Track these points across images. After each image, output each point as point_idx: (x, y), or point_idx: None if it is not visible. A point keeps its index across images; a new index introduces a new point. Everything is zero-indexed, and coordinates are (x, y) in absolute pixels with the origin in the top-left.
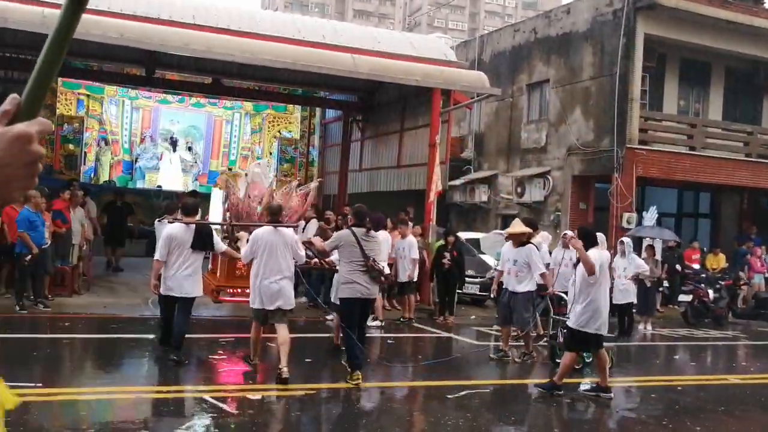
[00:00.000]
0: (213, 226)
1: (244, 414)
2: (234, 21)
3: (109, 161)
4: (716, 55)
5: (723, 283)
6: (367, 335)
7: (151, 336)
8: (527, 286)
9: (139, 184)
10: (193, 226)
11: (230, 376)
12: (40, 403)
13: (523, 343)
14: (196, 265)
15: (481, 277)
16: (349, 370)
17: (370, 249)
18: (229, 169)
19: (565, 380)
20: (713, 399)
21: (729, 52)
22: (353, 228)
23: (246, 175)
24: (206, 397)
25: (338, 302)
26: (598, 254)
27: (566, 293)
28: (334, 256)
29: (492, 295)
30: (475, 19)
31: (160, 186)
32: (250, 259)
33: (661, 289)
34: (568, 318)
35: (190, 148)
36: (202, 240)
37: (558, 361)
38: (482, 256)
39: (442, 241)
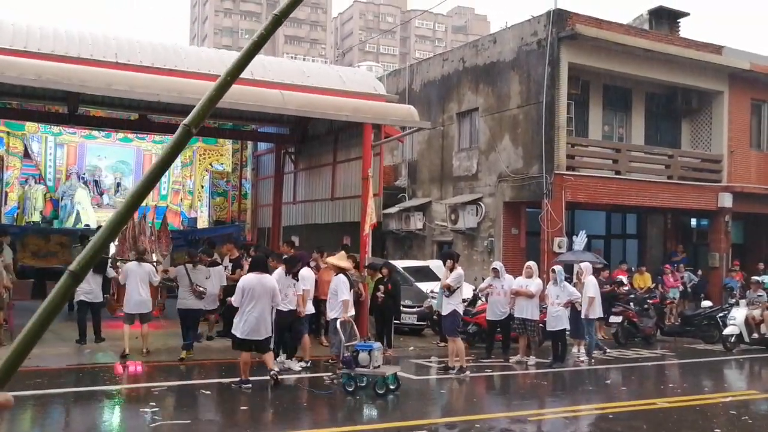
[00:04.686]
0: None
1: None
2: (159, 58)
3: (42, 200)
4: (636, 82)
5: (651, 302)
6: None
7: (85, 388)
8: (335, 313)
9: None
10: None
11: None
12: None
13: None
14: (97, 282)
15: (418, 307)
16: (183, 350)
17: (195, 277)
18: None
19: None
20: (643, 427)
21: (648, 78)
22: (186, 264)
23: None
24: None
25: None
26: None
27: (498, 321)
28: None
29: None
30: (406, 43)
31: (88, 225)
32: (124, 282)
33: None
34: None
35: (119, 184)
36: (98, 266)
37: (349, 389)
38: (419, 285)
39: (379, 275)
